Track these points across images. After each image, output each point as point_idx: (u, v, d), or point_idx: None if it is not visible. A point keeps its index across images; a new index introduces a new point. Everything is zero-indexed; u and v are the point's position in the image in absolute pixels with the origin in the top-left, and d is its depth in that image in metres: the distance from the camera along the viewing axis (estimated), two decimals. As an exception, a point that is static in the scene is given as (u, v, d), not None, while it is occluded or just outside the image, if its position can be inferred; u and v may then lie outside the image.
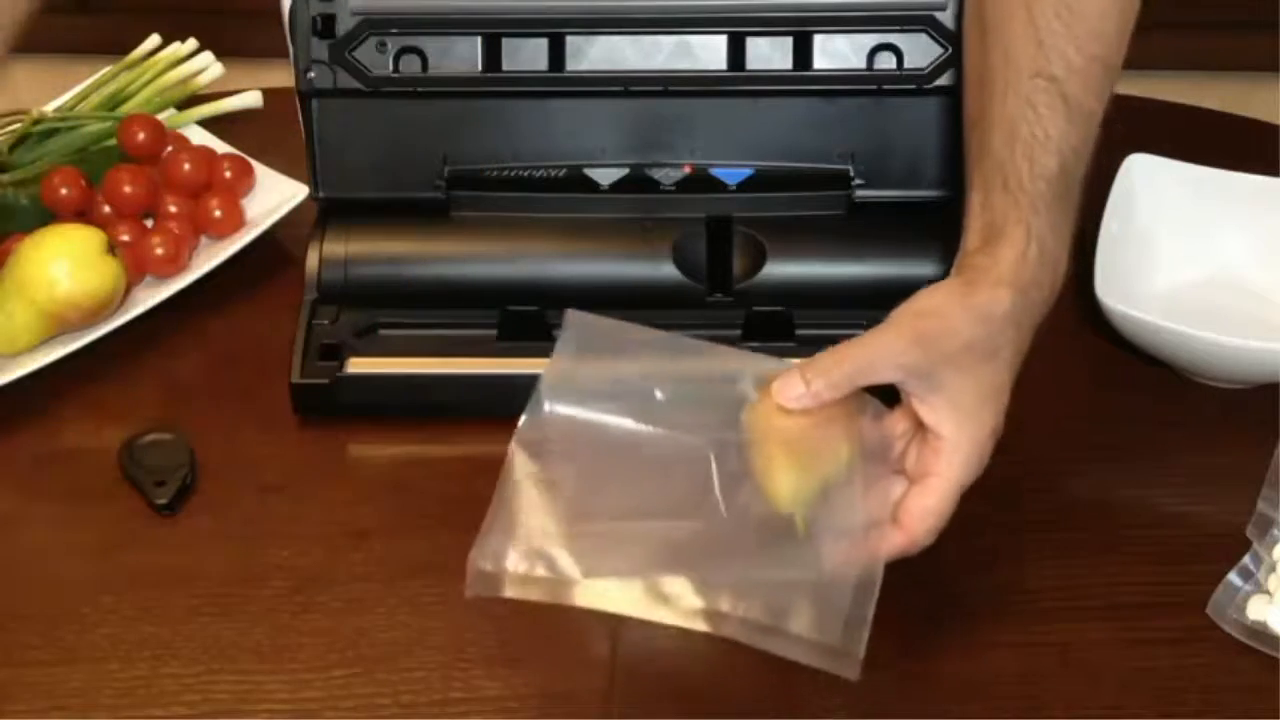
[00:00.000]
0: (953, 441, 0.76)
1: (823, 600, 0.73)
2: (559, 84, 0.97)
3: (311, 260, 0.97)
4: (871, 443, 0.77)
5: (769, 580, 0.74)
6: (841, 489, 0.76)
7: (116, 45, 1.25)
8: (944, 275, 0.95)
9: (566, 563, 0.73)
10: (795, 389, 0.74)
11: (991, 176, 0.80)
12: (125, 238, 1.03)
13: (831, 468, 0.76)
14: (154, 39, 1.23)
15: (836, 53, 0.96)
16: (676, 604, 0.74)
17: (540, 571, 0.73)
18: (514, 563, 0.73)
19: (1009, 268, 0.77)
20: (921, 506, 0.76)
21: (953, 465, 0.76)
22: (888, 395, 0.77)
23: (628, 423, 0.75)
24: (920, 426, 0.77)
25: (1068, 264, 0.80)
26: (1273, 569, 0.83)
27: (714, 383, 0.77)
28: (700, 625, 0.74)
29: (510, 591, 0.73)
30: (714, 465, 0.75)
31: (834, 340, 0.88)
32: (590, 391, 0.76)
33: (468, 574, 0.73)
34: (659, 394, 0.76)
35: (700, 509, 0.75)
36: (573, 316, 0.77)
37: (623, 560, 0.74)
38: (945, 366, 0.75)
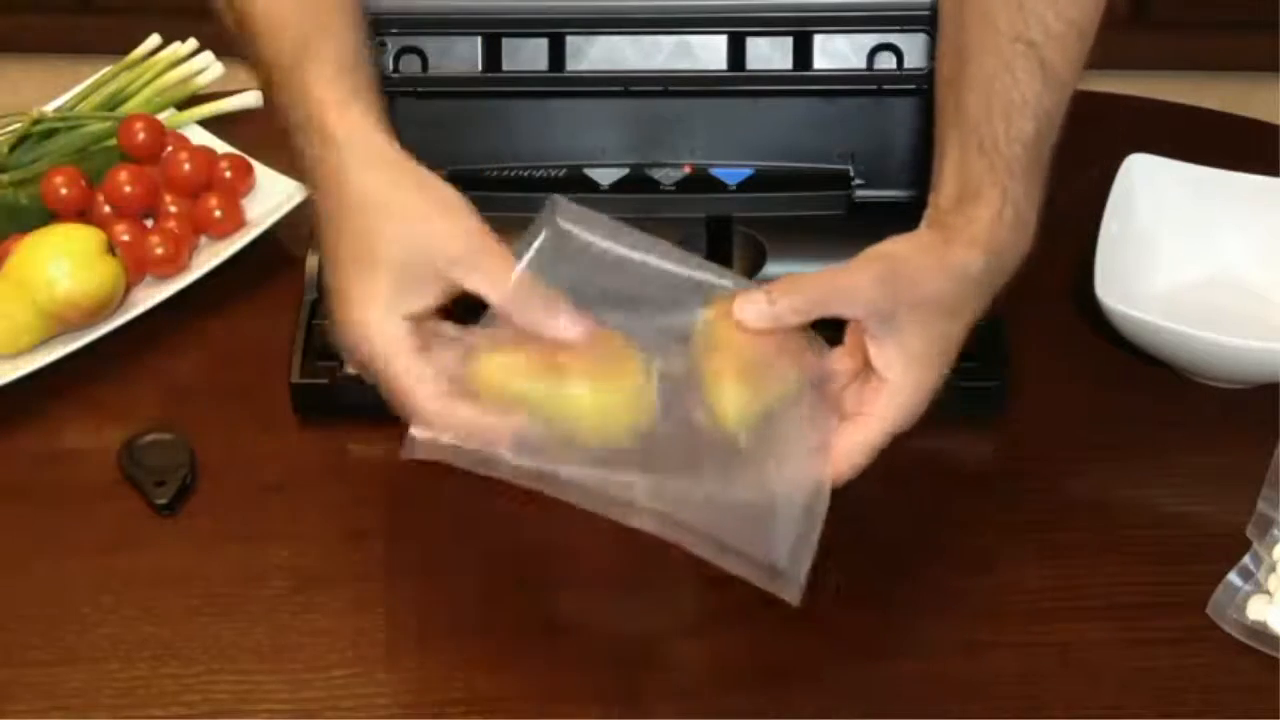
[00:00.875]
0: (897, 385, 0.76)
1: (768, 521, 0.73)
2: (559, 84, 0.97)
3: (311, 260, 0.97)
4: (815, 375, 0.77)
5: (715, 495, 0.74)
6: (787, 412, 0.76)
7: (116, 45, 1.25)
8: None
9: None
10: (758, 306, 0.74)
11: (967, 137, 0.80)
12: (125, 238, 1.03)
13: (778, 391, 0.76)
14: (154, 39, 1.23)
15: (836, 53, 0.96)
16: (623, 501, 0.74)
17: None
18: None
19: (984, 229, 0.78)
20: (851, 441, 0.76)
21: (890, 407, 0.76)
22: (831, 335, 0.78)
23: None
24: (865, 367, 0.77)
25: (1035, 227, 0.80)
26: (1273, 569, 0.83)
27: (674, 289, 0.76)
28: (648, 526, 0.73)
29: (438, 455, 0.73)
30: (654, 372, 0.75)
31: (832, 340, 0.88)
32: (560, 273, 0.75)
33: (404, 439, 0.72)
34: (620, 286, 0.75)
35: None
36: (560, 203, 0.76)
37: (572, 452, 0.74)
38: (908, 312, 0.76)
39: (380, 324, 0.72)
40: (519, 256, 0.74)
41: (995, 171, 0.79)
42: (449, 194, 0.75)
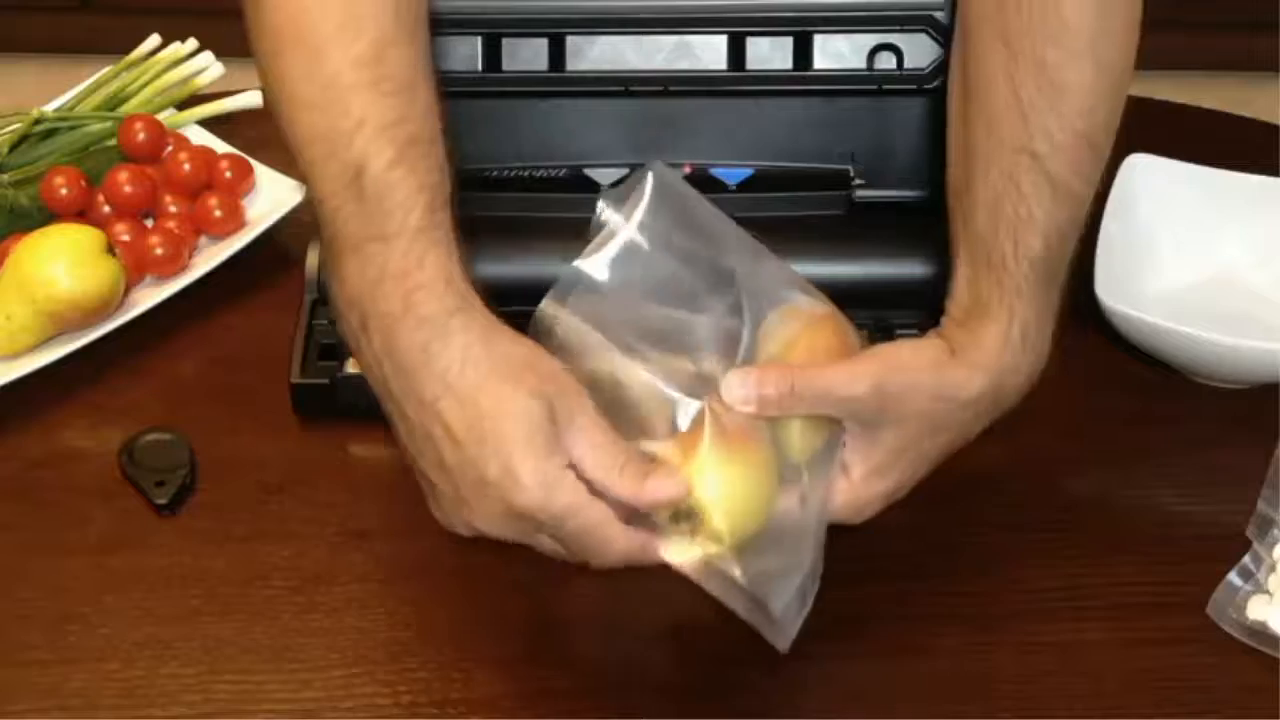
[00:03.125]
0: (852, 482, 0.76)
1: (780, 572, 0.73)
2: (559, 84, 0.97)
3: (311, 260, 0.97)
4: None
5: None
6: (833, 452, 0.76)
7: (116, 45, 1.25)
8: (944, 277, 0.96)
9: None
10: (745, 391, 0.73)
11: (976, 252, 0.79)
12: (125, 237, 1.04)
13: (830, 428, 0.76)
14: (154, 39, 1.23)
15: (836, 53, 0.96)
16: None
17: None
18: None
19: (988, 353, 0.76)
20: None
21: (838, 499, 0.76)
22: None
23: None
24: None
25: (1048, 348, 0.79)
26: (1273, 569, 0.83)
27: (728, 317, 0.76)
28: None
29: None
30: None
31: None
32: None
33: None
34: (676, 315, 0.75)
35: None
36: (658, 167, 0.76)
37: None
38: (889, 426, 0.75)
39: (559, 476, 0.70)
40: (626, 219, 0.76)
41: (1003, 290, 0.77)
42: (552, 360, 0.73)
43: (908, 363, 0.76)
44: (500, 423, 0.70)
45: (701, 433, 0.73)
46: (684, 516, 0.72)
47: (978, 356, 0.76)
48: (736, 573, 0.72)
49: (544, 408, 0.70)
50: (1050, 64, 0.77)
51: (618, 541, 0.71)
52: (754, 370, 0.73)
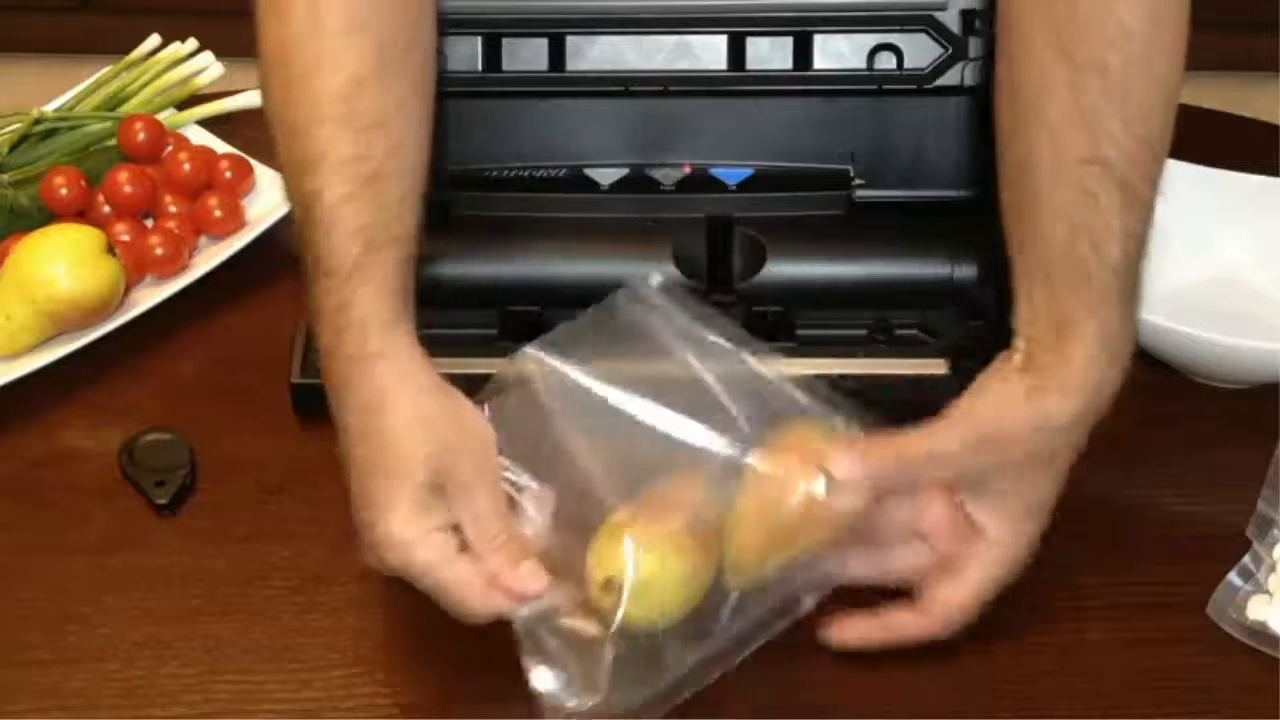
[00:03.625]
0: (995, 540, 0.76)
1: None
2: (559, 84, 0.97)
3: (312, 260, 0.96)
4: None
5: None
6: (776, 592, 0.76)
7: (116, 45, 1.25)
8: (944, 276, 0.96)
9: None
10: (849, 471, 0.74)
11: (1053, 268, 0.76)
12: (125, 237, 1.04)
13: (789, 554, 0.75)
14: (154, 39, 1.23)
15: (836, 53, 0.96)
16: None
17: None
18: None
19: (1078, 371, 0.75)
20: (948, 599, 0.76)
21: (987, 566, 0.76)
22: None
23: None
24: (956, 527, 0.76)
25: (1130, 359, 0.77)
26: (1273, 569, 0.83)
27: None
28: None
29: None
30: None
31: (833, 341, 0.88)
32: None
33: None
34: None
35: None
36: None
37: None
38: (1001, 473, 0.75)
39: (421, 539, 0.74)
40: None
41: (1090, 303, 0.75)
42: (479, 422, 0.76)
43: (996, 409, 0.76)
44: (384, 479, 0.74)
45: (650, 509, 0.74)
46: (613, 589, 0.74)
47: (1068, 377, 0.75)
48: (606, 660, 0.73)
49: (428, 471, 0.73)
50: (1112, 69, 0.75)
51: (473, 603, 0.74)
52: (861, 448, 0.74)
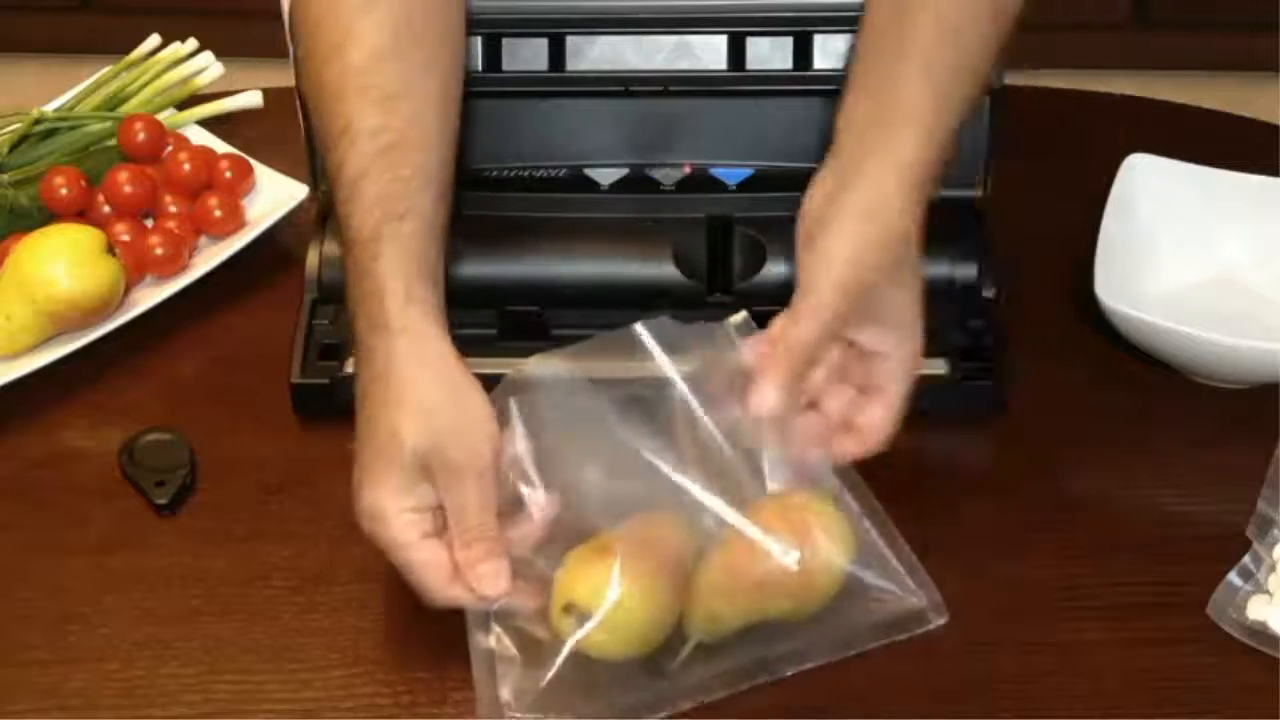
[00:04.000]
0: (897, 356, 0.79)
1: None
2: (559, 84, 0.97)
3: (311, 260, 0.97)
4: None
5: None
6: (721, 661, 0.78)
7: (116, 45, 1.25)
8: (944, 276, 0.96)
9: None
10: (770, 400, 0.76)
11: (887, 39, 0.82)
12: (125, 237, 1.04)
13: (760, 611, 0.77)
14: (154, 39, 1.23)
15: (836, 53, 0.96)
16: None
17: None
18: None
19: (908, 155, 0.79)
20: (876, 419, 0.79)
21: (900, 379, 0.79)
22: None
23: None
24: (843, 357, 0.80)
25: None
26: (1273, 569, 0.83)
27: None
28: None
29: None
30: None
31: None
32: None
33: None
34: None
35: None
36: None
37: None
38: (873, 300, 0.78)
39: (394, 516, 0.76)
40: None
41: (921, 84, 0.80)
42: (483, 409, 0.77)
43: (837, 242, 0.78)
44: (375, 451, 0.76)
45: (629, 542, 0.75)
46: (573, 613, 0.75)
47: (899, 175, 0.78)
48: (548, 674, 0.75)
49: (415, 457, 0.75)
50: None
51: (434, 587, 0.76)
52: (768, 359, 0.77)
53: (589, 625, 0.74)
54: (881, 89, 0.81)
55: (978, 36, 0.82)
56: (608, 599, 0.74)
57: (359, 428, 0.78)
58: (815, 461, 0.80)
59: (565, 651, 0.74)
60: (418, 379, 0.76)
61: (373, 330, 0.77)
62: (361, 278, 0.78)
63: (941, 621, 0.79)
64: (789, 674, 0.77)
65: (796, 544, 0.76)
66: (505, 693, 0.75)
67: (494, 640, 0.76)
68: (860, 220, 0.78)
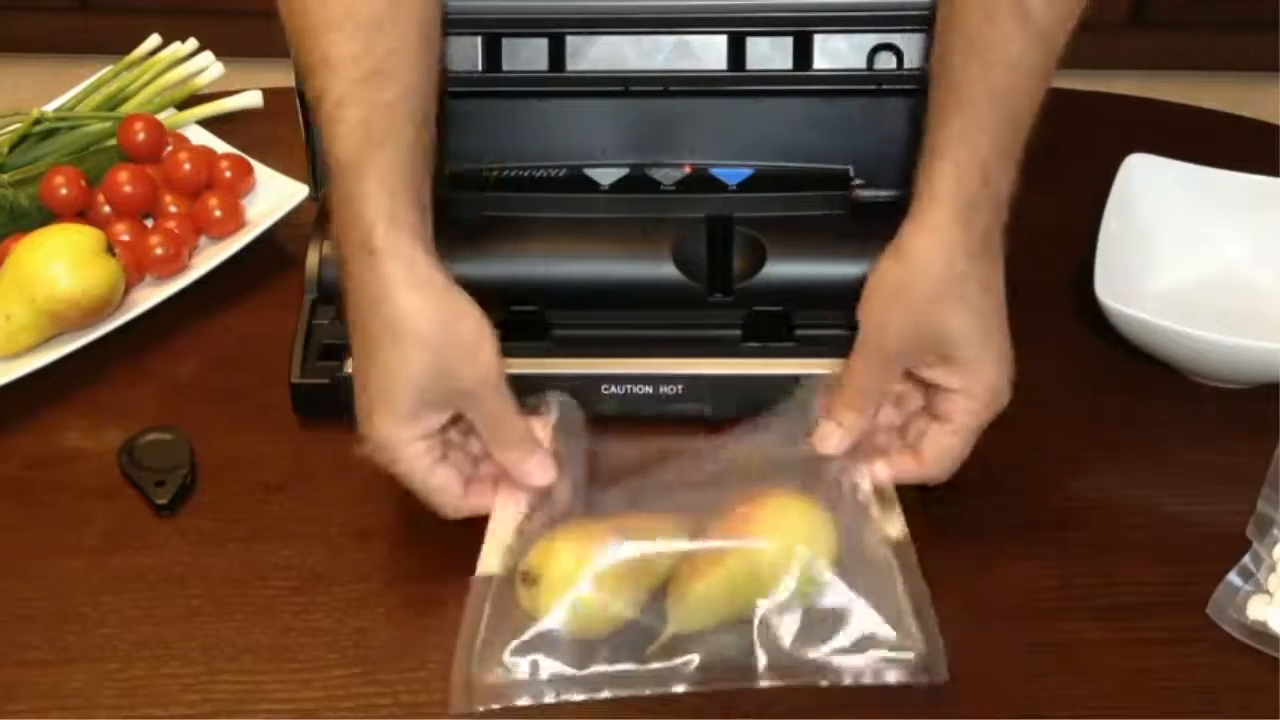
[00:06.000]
0: (962, 389, 0.81)
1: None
2: (559, 84, 0.97)
3: (311, 260, 0.97)
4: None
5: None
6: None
7: (116, 45, 1.25)
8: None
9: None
10: (833, 438, 0.82)
11: (945, 89, 0.80)
12: (125, 237, 1.04)
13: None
14: (154, 39, 1.23)
15: (836, 53, 0.96)
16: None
17: None
18: None
19: (948, 191, 0.79)
20: (942, 446, 0.82)
21: (969, 411, 0.81)
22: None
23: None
24: (920, 394, 0.83)
25: (1014, 181, 0.81)
26: (1273, 569, 0.83)
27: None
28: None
29: None
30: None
31: (833, 341, 0.88)
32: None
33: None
34: None
35: None
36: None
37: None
38: (928, 338, 0.79)
39: (405, 445, 0.79)
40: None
41: (964, 123, 0.79)
42: (478, 326, 0.79)
43: (878, 283, 0.81)
44: (381, 384, 0.78)
45: (611, 528, 0.77)
46: (531, 580, 0.77)
47: (936, 211, 0.79)
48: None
49: (416, 386, 0.77)
50: None
51: (450, 507, 0.81)
52: (824, 420, 0.83)
53: (536, 595, 0.76)
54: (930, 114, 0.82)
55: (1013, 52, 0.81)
56: (554, 573, 0.76)
57: (356, 358, 0.80)
58: (876, 476, 0.83)
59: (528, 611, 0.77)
60: (411, 307, 0.77)
61: (360, 255, 0.78)
62: (345, 202, 0.78)
63: (939, 679, 0.76)
64: (762, 685, 0.77)
65: (773, 537, 0.78)
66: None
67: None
68: (891, 258, 0.81)
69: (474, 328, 0.78)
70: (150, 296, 1.01)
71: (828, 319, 0.92)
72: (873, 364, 0.81)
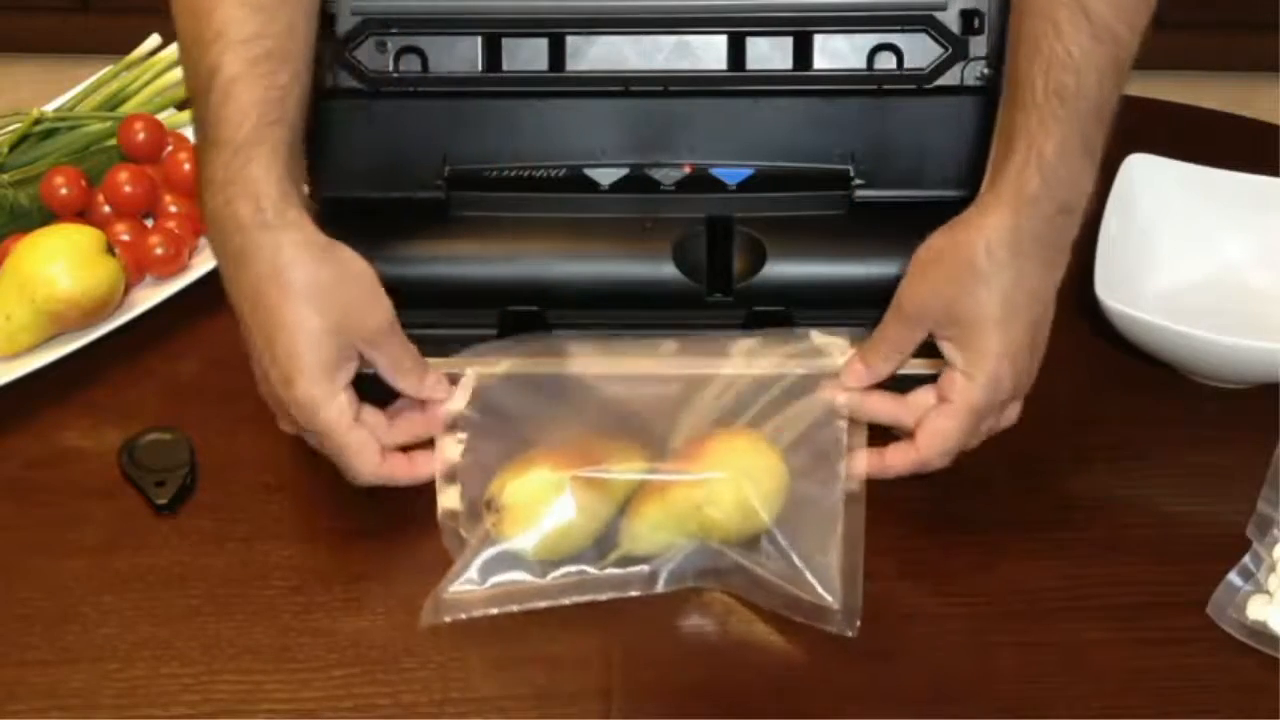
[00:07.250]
0: (963, 370, 0.82)
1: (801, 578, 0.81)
2: (559, 84, 0.97)
3: (311, 260, 0.96)
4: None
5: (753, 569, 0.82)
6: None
7: (116, 45, 1.25)
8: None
9: None
10: (851, 376, 0.85)
11: (1010, 92, 0.81)
12: (125, 238, 1.04)
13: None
14: (154, 39, 1.23)
15: (836, 53, 0.96)
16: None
17: None
18: None
19: (1004, 182, 0.80)
20: (935, 427, 0.83)
21: (963, 393, 0.82)
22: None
23: None
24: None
25: (1094, 187, 0.81)
26: (1273, 569, 0.83)
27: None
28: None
29: None
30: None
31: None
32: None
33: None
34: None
35: None
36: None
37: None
38: (953, 305, 0.81)
39: (327, 401, 0.82)
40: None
41: (1027, 124, 0.80)
42: (370, 278, 0.83)
43: (926, 254, 0.83)
44: (291, 342, 0.80)
45: (571, 455, 0.82)
46: (495, 508, 0.81)
47: (989, 198, 0.80)
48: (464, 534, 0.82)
49: (328, 335, 0.81)
50: None
51: (367, 467, 0.84)
52: (853, 356, 0.86)
53: (497, 520, 0.81)
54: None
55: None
56: (521, 494, 0.81)
57: (253, 332, 0.82)
58: (864, 465, 0.84)
59: (486, 538, 0.81)
60: (309, 271, 0.80)
61: (250, 230, 0.80)
62: (232, 180, 0.80)
63: (844, 633, 0.79)
64: (706, 586, 0.82)
65: (720, 474, 0.81)
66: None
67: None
68: (943, 231, 0.83)
69: (367, 281, 0.82)
70: (150, 296, 1.01)
71: (828, 319, 0.92)
72: (896, 318, 0.84)
